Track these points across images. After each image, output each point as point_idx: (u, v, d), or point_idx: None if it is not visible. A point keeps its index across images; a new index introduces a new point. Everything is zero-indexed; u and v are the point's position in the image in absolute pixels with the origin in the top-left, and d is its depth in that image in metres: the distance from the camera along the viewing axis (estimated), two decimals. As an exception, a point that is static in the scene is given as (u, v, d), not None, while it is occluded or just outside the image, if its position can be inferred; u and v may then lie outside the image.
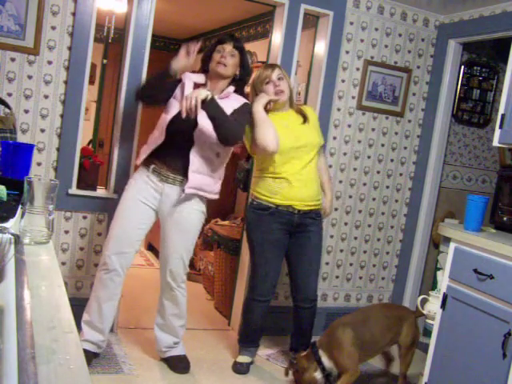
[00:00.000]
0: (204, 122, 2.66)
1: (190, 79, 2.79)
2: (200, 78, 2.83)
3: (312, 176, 2.97)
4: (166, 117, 2.76)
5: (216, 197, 2.89)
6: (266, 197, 2.95)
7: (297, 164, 2.92)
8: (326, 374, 2.76)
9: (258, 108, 2.86)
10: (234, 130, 2.68)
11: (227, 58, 2.76)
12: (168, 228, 2.83)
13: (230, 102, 2.77)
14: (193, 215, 2.82)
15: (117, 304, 2.90)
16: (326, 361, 2.75)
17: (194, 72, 2.85)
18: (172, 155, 2.76)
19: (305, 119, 3.01)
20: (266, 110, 2.93)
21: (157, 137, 2.78)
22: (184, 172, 2.74)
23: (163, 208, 2.80)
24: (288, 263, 3.11)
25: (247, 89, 3.02)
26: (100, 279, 2.81)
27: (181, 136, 2.73)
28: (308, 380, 2.76)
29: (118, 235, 2.78)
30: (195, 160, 2.72)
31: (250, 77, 2.97)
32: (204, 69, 2.85)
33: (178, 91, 2.79)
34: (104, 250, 2.82)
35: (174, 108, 2.75)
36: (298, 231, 3.00)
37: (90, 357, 2.83)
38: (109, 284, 2.80)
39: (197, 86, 2.80)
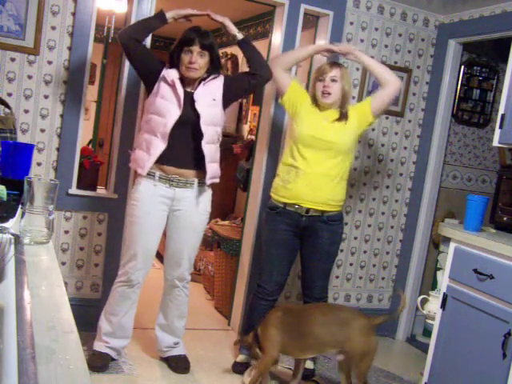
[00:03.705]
0: (203, 109, 2.66)
1: (173, 76, 2.67)
2: (177, 74, 2.70)
3: (324, 175, 2.88)
4: (165, 121, 2.63)
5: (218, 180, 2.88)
6: (275, 195, 2.97)
7: (311, 156, 2.87)
8: None
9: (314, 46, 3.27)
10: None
11: (197, 62, 2.65)
12: (177, 228, 2.82)
13: (215, 87, 2.74)
14: (203, 216, 2.85)
15: (136, 310, 2.92)
16: None
17: (170, 67, 2.72)
18: (180, 156, 2.71)
19: (342, 117, 2.92)
20: (317, 104, 2.94)
21: (157, 144, 2.66)
22: (197, 167, 2.72)
23: (174, 211, 2.79)
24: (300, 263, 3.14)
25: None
26: (122, 293, 2.81)
27: (188, 134, 2.69)
28: (253, 355, 2.84)
29: (142, 255, 2.76)
30: (207, 151, 2.70)
31: (220, 68, 2.86)
32: (174, 63, 2.71)
33: (164, 88, 2.67)
34: (127, 268, 2.78)
35: (170, 111, 2.64)
36: (307, 235, 2.98)
37: (109, 361, 2.86)
38: (131, 296, 2.83)
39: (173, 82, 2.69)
